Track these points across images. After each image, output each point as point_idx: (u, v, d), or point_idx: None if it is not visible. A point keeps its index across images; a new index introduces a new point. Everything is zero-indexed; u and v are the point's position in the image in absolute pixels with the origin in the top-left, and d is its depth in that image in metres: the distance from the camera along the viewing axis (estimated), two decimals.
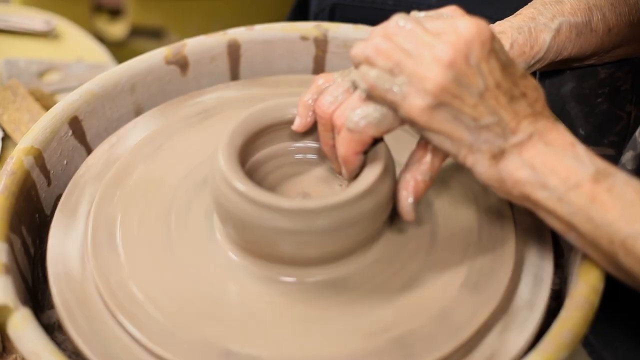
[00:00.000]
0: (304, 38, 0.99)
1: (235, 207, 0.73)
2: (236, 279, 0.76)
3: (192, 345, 0.71)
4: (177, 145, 0.88)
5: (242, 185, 0.72)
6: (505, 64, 0.68)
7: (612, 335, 0.83)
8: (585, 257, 0.74)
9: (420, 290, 0.75)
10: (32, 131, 0.87)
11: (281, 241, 0.73)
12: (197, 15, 1.71)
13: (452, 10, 0.71)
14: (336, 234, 0.73)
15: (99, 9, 1.76)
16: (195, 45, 0.98)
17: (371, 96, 0.70)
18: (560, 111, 0.96)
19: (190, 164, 0.85)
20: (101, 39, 1.68)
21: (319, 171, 0.81)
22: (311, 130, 0.80)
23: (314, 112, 0.76)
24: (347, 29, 0.99)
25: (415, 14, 0.72)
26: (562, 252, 0.83)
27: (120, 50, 1.63)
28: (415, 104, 0.67)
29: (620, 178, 0.67)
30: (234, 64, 1.00)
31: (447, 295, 0.74)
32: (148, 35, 1.74)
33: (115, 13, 1.76)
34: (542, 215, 0.70)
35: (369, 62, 0.70)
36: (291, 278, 0.76)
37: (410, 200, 0.72)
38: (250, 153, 0.79)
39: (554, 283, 0.80)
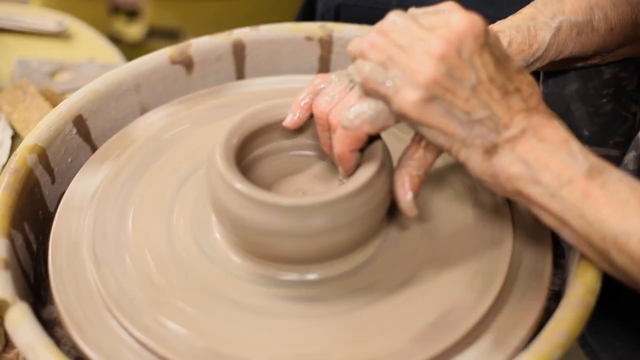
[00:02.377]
0: (309, 38, 1.00)
1: (232, 205, 0.73)
2: (235, 278, 0.76)
3: (188, 343, 0.72)
4: (186, 141, 0.89)
5: (240, 184, 0.73)
6: (500, 59, 0.68)
7: (611, 336, 0.82)
8: (583, 257, 0.73)
9: (418, 288, 0.75)
10: (37, 129, 0.88)
11: (279, 239, 0.73)
12: (213, 16, 1.72)
13: (449, 6, 0.71)
14: (334, 230, 0.73)
15: (116, 10, 1.77)
16: (201, 45, 0.98)
17: (365, 90, 0.71)
18: (565, 111, 0.96)
19: (195, 162, 0.86)
20: (119, 40, 1.70)
21: (316, 169, 0.82)
22: (308, 129, 0.80)
23: (307, 111, 0.77)
24: (352, 29, 0.99)
25: (412, 10, 0.72)
26: (564, 252, 0.82)
27: (137, 51, 1.64)
28: (407, 97, 0.67)
29: (614, 175, 0.67)
30: (240, 64, 1.00)
31: (443, 293, 0.74)
32: (165, 36, 1.75)
33: (132, 14, 1.78)
34: (536, 210, 0.70)
35: (363, 56, 0.70)
36: (290, 276, 0.76)
37: (410, 196, 0.72)
38: (247, 151, 0.80)
39: (554, 284, 0.80)
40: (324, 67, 1.01)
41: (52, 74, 1.18)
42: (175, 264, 0.77)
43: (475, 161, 0.69)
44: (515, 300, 0.75)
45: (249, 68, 1.01)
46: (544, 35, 0.83)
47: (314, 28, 1.00)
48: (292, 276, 0.76)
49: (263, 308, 0.74)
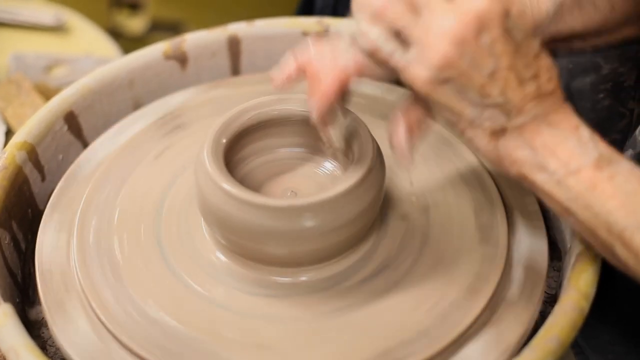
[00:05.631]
0: (306, 33, 0.98)
1: (220, 206, 0.72)
2: (224, 281, 0.75)
3: (174, 347, 0.70)
4: (168, 150, 0.87)
5: (227, 184, 0.71)
6: (520, 43, 0.64)
7: (603, 339, 0.80)
8: (578, 261, 0.72)
9: (411, 289, 0.74)
10: (26, 126, 0.87)
11: (267, 241, 0.71)
12: (216, 9, 1.70)
13: None
14: (324, 231, 0.71)
15: (118, 3, 1.76)
16: (195, 40, 0.97)
17: (371, 58, 0.67)
18: None
19: (180, 166, 0.84)
20: (120, 34, 1.68)
21: (306, 168, 0.80)
22: (298, 128, 0.79)
23: (298, 69, 0.73)
24: (350, 24, 0.97)
25: None
26: (560, 255, 0.81)
27: (139, 45, 1.63)
28: (419, 74, 0.64)
29: (624, 166, 0.65)
30: (235, 60, 0.99)
31: (436, 294, 0.73)
32: (167, 30, 1.74)
33: (134, 7, 1.76)
34: (541, 195, 0.68)
35: (374, 19, 0.64)
36: (280, 279, 0.74)
37: (405, 139, 0.68)
38: (235, 151, 0.78)
39: (550, 287, 0.79)
40: None
41: (48, 68, 1.16)
42: (162, 267, 0.76)
43: (480, 141, 0.67)
44: (509, 302, 0.74)
45: (244, 64, 1.00)
46: (548, 6, 0.80)
47: (310, 23, 0.98)
48: (282, 278, 0.74)
49: (253, 310, 0.73)
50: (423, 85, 0.64)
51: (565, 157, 0.65)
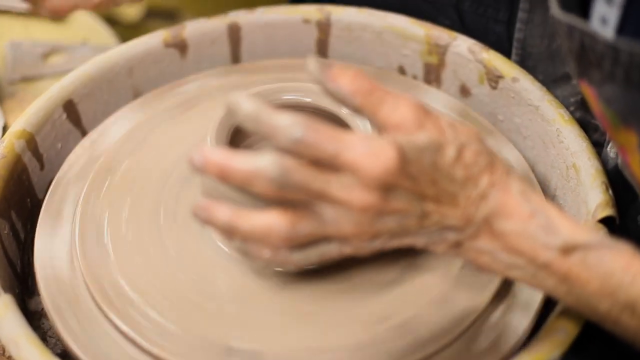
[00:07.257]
0: (306, 21, 0.97)
1: (224, 196, 0.71)
2: (229, 271, 0.74)
3: (189, 343, 0.69)
4: (161, 138, 0.86)
5: None
6: (433, 162, 0.59)
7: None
8: None
9: (420, 276, 0.73)
10: (25, 114, 0.86)
11: None
12: None
13: (350, 145, 0.57)
14: None
15: None
16: (195, 28, 0.96)
17: None
18: None
19: (176, 156, 0.83)
20: (115, 21, 1.66)
21: None
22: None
23: None
24: (351, 12, 0.97)
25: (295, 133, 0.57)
26: None
27: (134, 32, 1.61)
28: (347, 252, 0.62)
29: (592, 244, 0.61)
30: (235, 47, 0.98)
31: (446, 280, 0.72)
32: (163, 16, 1.72)
33: None
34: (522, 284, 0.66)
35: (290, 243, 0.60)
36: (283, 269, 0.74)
37: None
38: (240, 139, 0.78)
39: None
40: (322, 50, 0.99)
41: (45, 56, 1.15)
42: (163, 255, 0.75)
43: (442, 252, 0.64)
44: (514, 294, 0.73)
45: (244, 51, 0.99)
46: None
47: (311, 10, 0.98)
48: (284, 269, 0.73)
49: (258, 302, 0.72)
50: (360, 252, 0.62)
51: (530, 254, 0.61)
